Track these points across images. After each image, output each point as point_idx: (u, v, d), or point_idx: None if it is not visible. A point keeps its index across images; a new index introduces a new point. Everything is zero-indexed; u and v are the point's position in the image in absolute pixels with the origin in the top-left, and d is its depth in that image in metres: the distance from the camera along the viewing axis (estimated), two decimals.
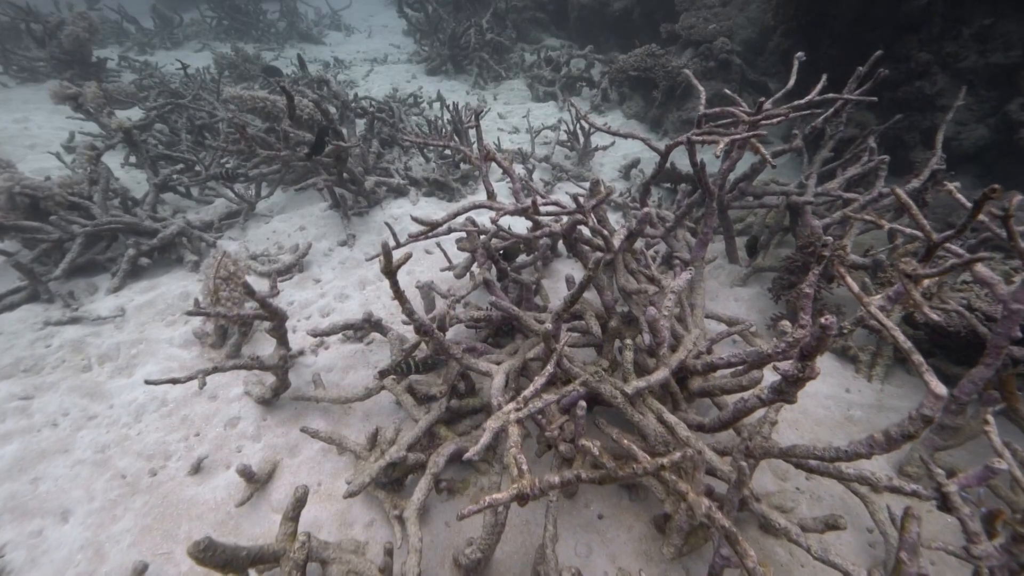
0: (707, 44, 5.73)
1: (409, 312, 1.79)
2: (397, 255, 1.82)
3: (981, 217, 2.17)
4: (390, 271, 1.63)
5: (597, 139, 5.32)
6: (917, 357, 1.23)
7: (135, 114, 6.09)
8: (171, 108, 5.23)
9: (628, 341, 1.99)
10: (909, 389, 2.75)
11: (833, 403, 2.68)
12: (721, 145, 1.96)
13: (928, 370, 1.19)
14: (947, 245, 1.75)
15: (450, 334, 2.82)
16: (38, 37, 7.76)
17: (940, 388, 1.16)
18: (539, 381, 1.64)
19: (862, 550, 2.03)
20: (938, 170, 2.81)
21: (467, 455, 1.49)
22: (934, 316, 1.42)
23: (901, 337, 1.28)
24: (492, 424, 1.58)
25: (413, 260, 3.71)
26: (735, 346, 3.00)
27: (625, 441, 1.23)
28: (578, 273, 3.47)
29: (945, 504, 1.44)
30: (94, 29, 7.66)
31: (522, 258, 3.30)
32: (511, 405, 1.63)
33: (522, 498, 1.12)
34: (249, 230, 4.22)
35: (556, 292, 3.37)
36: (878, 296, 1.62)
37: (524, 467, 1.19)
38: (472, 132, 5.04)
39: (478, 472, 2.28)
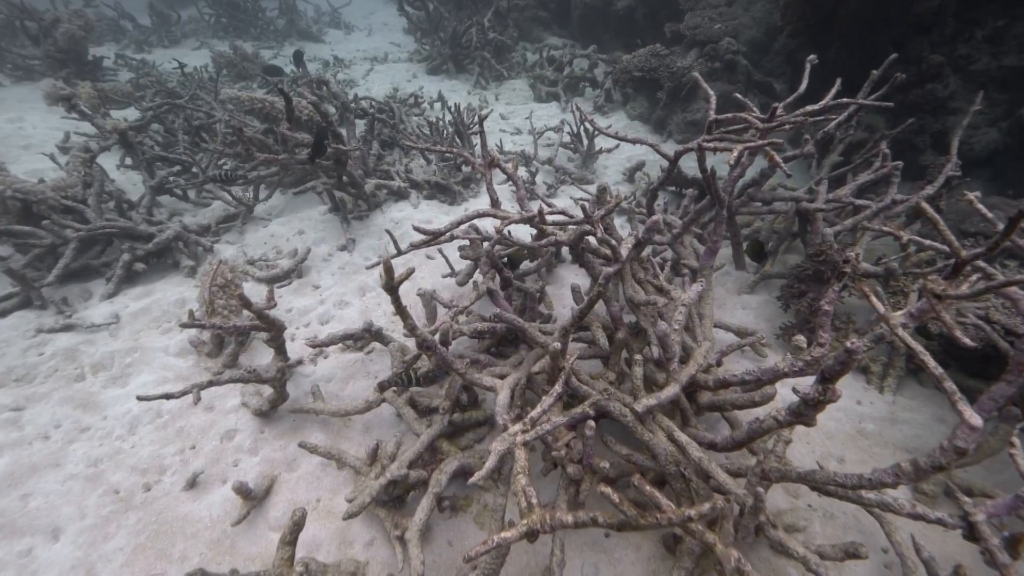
0: (712, 44, 5.64)
1: (411, 328, 1.72)
2: (399, 269, 1.76)
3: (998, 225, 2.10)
4: (391, 287, 1.56)
5: (601, 141, 5.25)
6: (949, 384, 1.16)
7: (132, 114, 6.01)
8: (168, 108, 5.15)
9: (638, 356, 1.93)
10: (922, 401, 2.68)
11: (844, 415, 2.61)
12: (735, 153, 1.89)
13: (962, 399, 1.13)
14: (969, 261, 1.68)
15: (452, 343, 2.75)
16: (33, 35, 7.66)
17: (975, 419, 1.09)
18: (547, 401, 1.58)
19: (877, 571, 1.97)
20: (953, 176, 2.74)
21: (472, 480, 1.43)
22: (968, 342, 1.36)
23: (932, 363, 1.22)
24: (498, 447, 1.51)
25: (415, 265, 3.64)
26: (743, 355, 2.94)
27: (648, 488, 1.17)
28: (583, 281, 3.40)
29: (972, 534, 1.38)
30: (90, 27, 7.56)
31: (526, 265, 3.23)
32: (517, 426, 1.57)
33: (532, 535, 1.06)
34: (247, 234, 4.15)
35: (560, 299, 3.30)
36: (900, 313, 1.56)
37: (534, 500, 1.13)
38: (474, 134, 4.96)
39: (482, 488, 2.21)
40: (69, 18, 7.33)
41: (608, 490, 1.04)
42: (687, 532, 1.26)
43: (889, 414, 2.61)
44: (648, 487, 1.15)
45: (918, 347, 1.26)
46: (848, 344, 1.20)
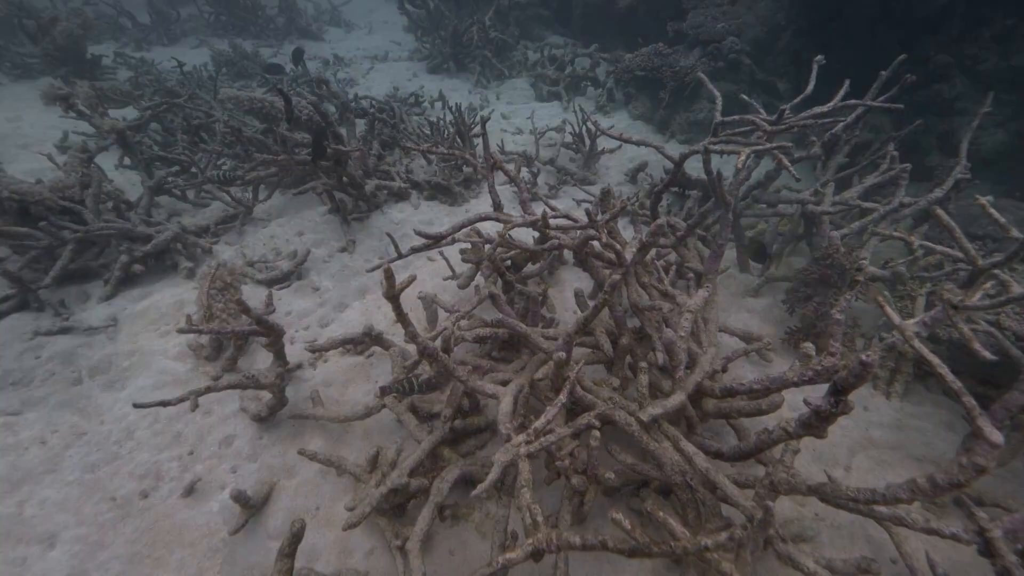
0: (716, 44, 5.60)
1: (412, 335, 1.69)
2: (400, 275, 1.72)
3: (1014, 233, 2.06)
4: (392, 295, 1.52)
5: (603, 142, 5.20)
6: (968, 399, 1.13)
7: (130, 113, 5.96)
8: (167, 108, 5.10)
9: (643, 364, 1.89)
10: (929, 407, 2.65)
11: (851, 422, 2.58)
12: (742, 157, 1.85)
13: (982, 414, 1.09)
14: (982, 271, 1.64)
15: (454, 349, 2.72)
16: (31, 33, 7.60)
17: (996, 436, 1.06)
18: (550, 411, 1.54)
19: None
20: (962, 179, 2.70)
21: (475, 492, 1.40)
22: (987, 355, 1.32)
23: (950, 376, 1.18)
24: (501, 458, 1.48)
25: (415, 267, 3.60)
26: (748, 360, 2.90)
27: (660, 514, 1.13)
28: (586, 284, 3.37)
29: (988, 550, 1.34)
30: (88, 25, 7.50)
31: (528, 268, 3.19)
32: (521, 437, 1.53)
33: (537, 555, 1.03)
34: (246, 235, 4.11)
35: (563, 302, 3.27)
36: (913, 321, 1.52)
37: (539, 517, 1.10)
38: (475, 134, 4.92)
39: (484, 497, 2.18)
40: (68, 16, 7.28)
41: (619, 516, 1.01)
42: (702, 561, 1.22)
43: (896, 420, 2.58)
44: (661, 514, 1.11)
45: (935, 359, 1.23)
46: (863, 357, 1.16)
